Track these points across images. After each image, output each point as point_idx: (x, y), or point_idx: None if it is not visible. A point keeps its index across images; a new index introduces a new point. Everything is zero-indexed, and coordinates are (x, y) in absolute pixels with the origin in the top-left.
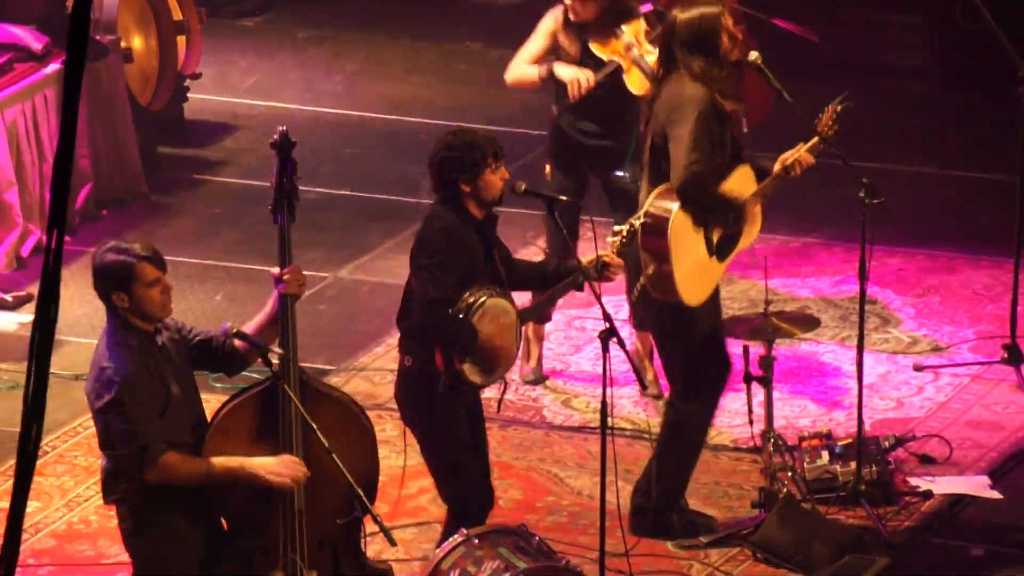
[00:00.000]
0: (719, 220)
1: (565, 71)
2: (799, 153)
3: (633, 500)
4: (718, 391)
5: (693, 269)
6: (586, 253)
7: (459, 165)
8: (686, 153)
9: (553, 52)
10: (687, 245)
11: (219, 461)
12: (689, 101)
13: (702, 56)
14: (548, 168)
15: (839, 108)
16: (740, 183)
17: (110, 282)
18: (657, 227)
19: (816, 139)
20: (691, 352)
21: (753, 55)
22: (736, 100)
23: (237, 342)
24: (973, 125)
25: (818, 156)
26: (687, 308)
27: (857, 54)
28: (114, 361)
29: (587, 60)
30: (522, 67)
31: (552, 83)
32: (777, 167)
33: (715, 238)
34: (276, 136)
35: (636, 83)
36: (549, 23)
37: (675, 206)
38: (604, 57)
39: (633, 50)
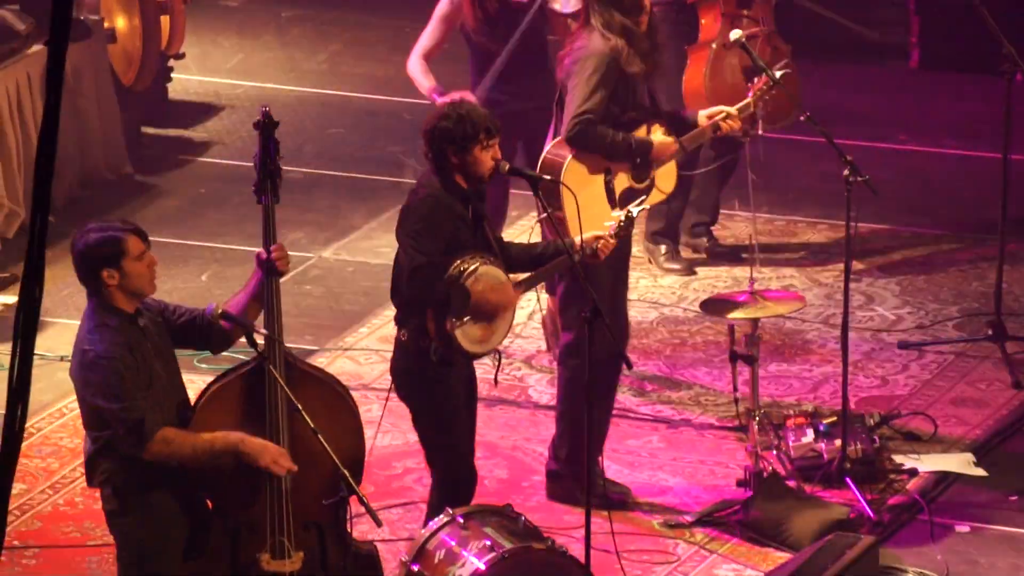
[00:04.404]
0: (622, 165)
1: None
2: (727, 111)
3: (547, 465)
4: (613, 351)
5: (589, 219)
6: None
7: (451, 136)
8: (577, 104)
9: (451, 35)
10: (583, 194)
11: (220, 434)
12: (592, 54)
13: (610, 9)
14: None
15: (777, 75)
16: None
17: (100, 260)
18: (551, 174)
19: (748, 100)
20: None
21: (735, 33)
22: (651, 62)
23: (223, 322)
24: (957, 103)
25: (805, 133)
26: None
27: (839, 32)
28: (96, 343)
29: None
30: (418, 71)
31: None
32: (703, 122)
33: (618, 189)
34: (259, 116)
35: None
36: (445, 7)
37: (570, 154)
38: None
39: None
